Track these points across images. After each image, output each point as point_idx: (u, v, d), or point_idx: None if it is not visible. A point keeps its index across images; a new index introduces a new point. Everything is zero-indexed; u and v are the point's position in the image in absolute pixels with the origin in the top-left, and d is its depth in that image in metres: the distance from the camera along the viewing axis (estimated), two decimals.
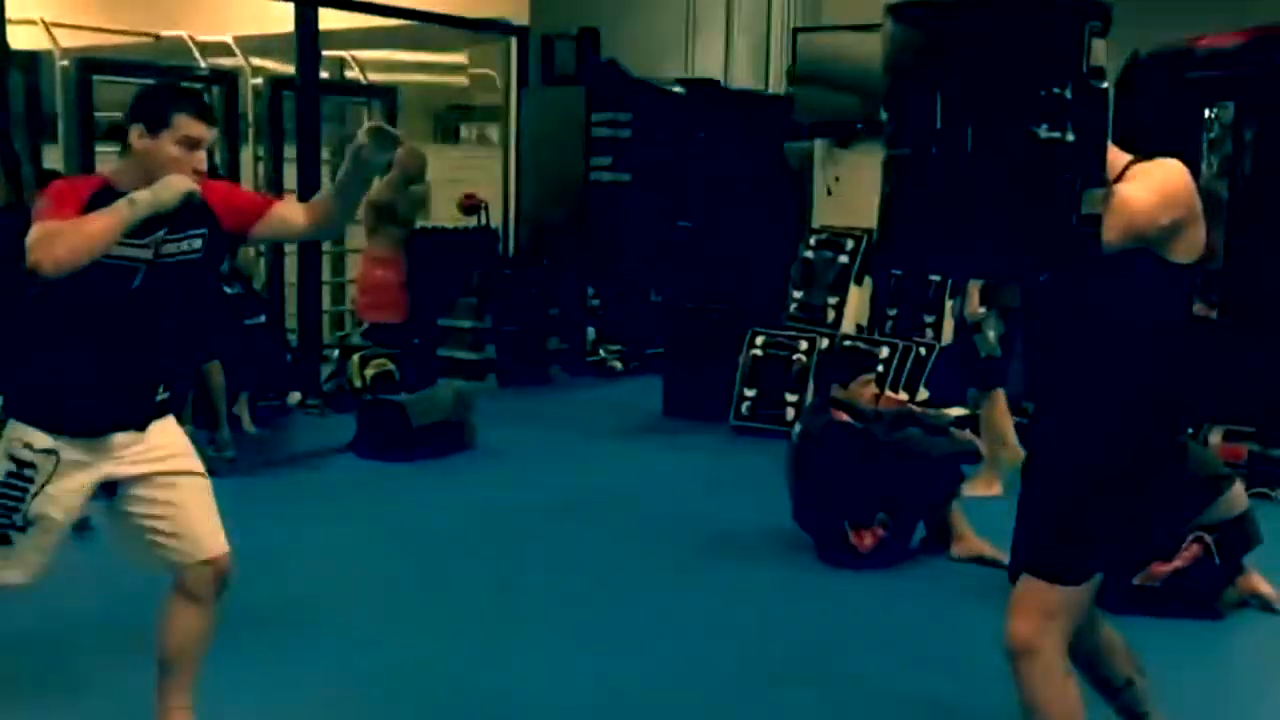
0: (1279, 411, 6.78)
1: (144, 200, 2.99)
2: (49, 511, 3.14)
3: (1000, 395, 6.41)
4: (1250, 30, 7.00)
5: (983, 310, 6.37)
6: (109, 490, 3.21)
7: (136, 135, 3.10)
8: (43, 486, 3.12)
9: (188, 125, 3.09)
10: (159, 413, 3.28)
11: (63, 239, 2.92)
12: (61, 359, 3.16)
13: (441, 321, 9.65)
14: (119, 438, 3.18)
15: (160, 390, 3.28)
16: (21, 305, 6.01)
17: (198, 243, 3.20)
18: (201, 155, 3.14)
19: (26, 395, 3.17)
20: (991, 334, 6.40)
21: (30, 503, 3.12)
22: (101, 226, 2.96)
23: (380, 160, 3.34)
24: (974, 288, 6.38)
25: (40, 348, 3.20)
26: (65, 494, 3.15)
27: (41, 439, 3.11)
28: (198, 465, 3.33)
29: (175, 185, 3.03)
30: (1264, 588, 4.90)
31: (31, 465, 3.11)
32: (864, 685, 4.21)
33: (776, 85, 12.16)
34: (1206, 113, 7.13)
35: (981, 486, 6.20)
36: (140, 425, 3.22)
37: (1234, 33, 7.02)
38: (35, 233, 2.94)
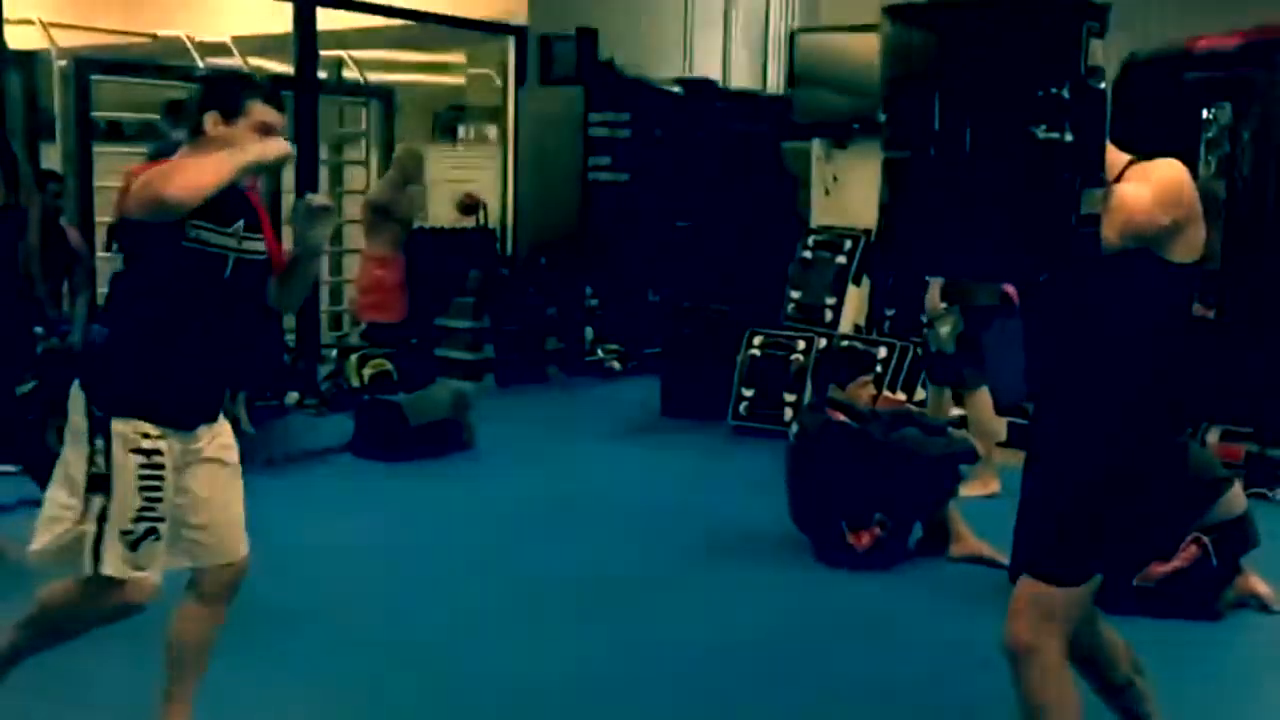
0: (1277, 412, 6.79)
1: (253, 150, 3.05)
2: None
3: (985, 393, 6.41)
4: (1248, 31, 7.00)
5: (943, 306, 6.37)
6: None
7: (212, 123, 3.13)
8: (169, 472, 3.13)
9: (262, 112, 3.16)
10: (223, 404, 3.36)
11: (184, 172, 2.96)
12: (166, 350, 3.16)
13: (439, 321, 9.65)
14: (202, 429, 3.22)
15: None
16: (18, 302, 5.97)
17: (262, 245, 3.25)
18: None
19: (131, 389, 3.12)
20: (945, 330, 6.40)
21: (167, 490, 3.12)
22: (218, 163, 3.00)
23: (314, 234, 3.32)
24: (935, 284, 6.38)
25: (145, 340, 3.17)
26: None
27: (151, 429, 3.11)
28: (238, 464, 3.36)
29: (278, 144, 3.10)
30: (1261, 588, 4.90)
31: (158, 452, 3.11)
32: (862, 685, 4.21)
33: (774, 85, 12.18)
34: (1205, 113, 7.13)
35: (978, 486, 6.20)
36: (216, 416, 3.29)
37: (1232, 33, 7.02)
38: (146, 176, 2.97)
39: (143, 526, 3.08)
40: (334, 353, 9.18)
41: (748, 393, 8.06)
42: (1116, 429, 2.78)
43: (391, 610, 4.83)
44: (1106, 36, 2.49)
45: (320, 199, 3.39)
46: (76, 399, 3.14)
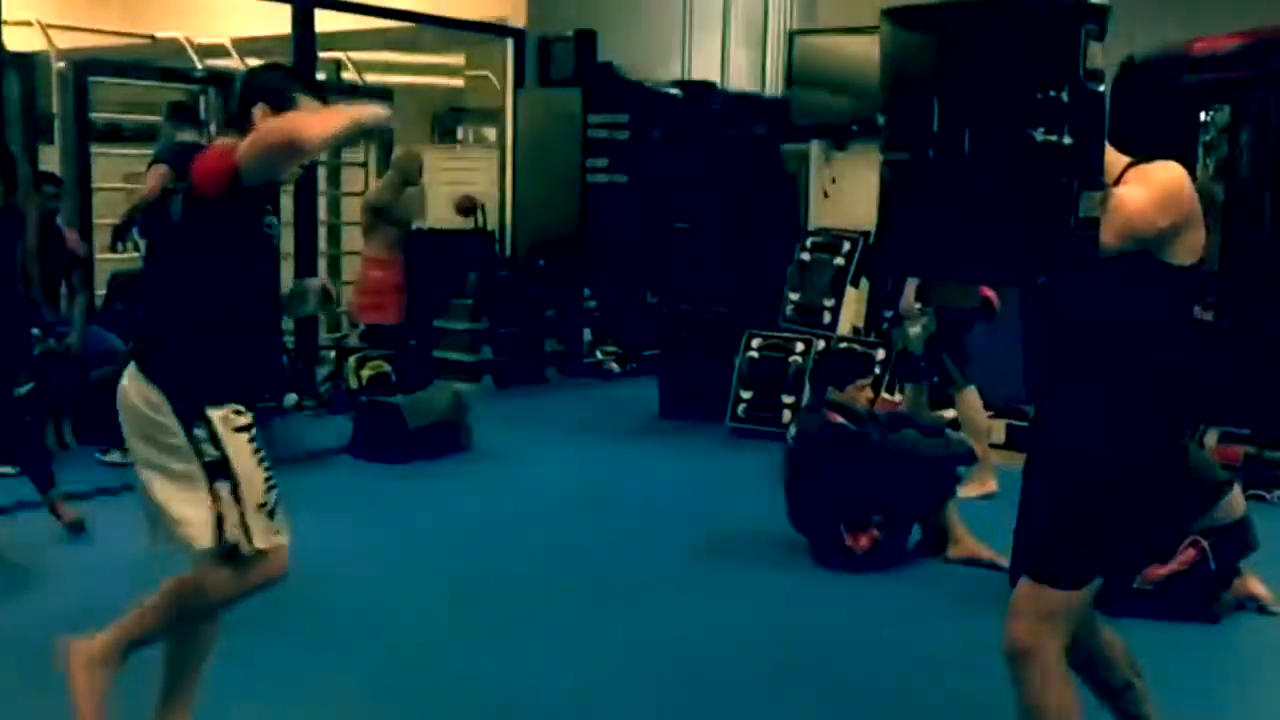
0: (1275, 413, 6.79)
1: (358, 110, 3.06)
2: None
3: (973, 392, 6.41)
4: (1247, 33, 7.00)
5: (917, 306, 6.37)
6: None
7: (260, 115, 3.14)
8: None
9: (309, 105, 3.18)
10: None
11: (305, 119, 2.98)
12: (245, 335, 3.20)
13: (438, 323, 9.66)
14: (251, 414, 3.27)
15: None
16: (17, 304, 5.95)
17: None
18: None
19: (220, 375, 3.14)
20: (915, 330, 6.40)
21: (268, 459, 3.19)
22: (331, 116, 3.01)
23: (307, 309, 3.54)
24: (910, 284, 6.38)
25: (228, 326, 3.17)
26: None
27: (241, 408, 3.15)
28: None
29: (376, 107, 3.12)
30: (1260, 590, 4.90)
31: (254, 425, 3.17)
32: (861, 686, 4.21)
33: (773, 87, 12.19)
34: (1203, 115, 7.14)
35: (976, 487, 6.20)
36: None
37: (1231, 35, 7.03)
38: (263, 127, 2.99)
39: (274, 495, 3.18)
40: (333, 354, 9.18)
41: (746, 394, 8.06)
42: (1116, 431, 2.78)
43: (389, 611, 4.83)
44: (1105, 39, 2.49)
45: (334, 290, 3.50)
46: (153, 397, 3.10)
